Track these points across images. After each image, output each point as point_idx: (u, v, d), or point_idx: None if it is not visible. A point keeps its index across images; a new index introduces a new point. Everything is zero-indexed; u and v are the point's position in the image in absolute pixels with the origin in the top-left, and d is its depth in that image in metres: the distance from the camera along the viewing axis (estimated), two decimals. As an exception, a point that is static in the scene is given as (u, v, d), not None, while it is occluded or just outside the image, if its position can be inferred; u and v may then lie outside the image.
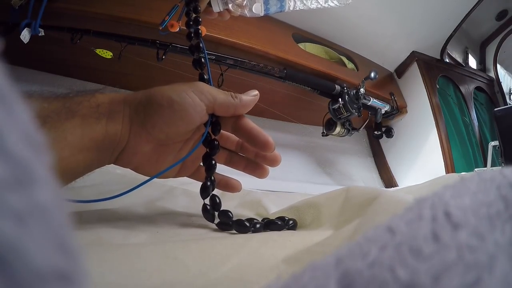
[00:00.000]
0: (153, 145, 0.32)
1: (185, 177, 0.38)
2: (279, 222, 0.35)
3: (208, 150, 0.36)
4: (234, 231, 0.34)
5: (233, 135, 0.37)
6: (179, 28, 0.51)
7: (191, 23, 0.42)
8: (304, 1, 0.47)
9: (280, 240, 0.30)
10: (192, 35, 0.42)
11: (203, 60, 0.40)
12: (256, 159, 0.38)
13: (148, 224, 0.33)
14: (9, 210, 0.06)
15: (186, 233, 0.32)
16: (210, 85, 0.37)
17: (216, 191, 0.37)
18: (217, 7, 0.44)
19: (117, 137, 0.30)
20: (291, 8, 0.47)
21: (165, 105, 0.30)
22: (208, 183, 0.35)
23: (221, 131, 0.36)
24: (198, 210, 0.36)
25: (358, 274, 0.09)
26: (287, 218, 0.36)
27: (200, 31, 0.42)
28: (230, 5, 0.44)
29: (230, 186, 0.39)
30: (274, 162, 0.37)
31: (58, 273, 0.06)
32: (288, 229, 0.36)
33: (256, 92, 0.36)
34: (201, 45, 0.41)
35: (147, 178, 0.33)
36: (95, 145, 0.28)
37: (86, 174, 0.30)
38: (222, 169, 0.38)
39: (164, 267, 0.21)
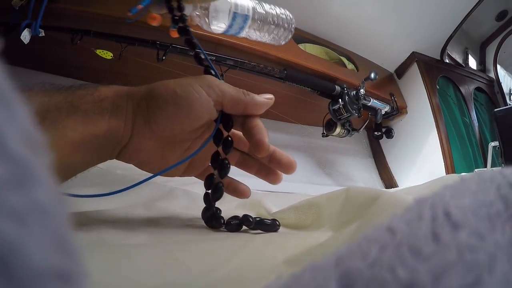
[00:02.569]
0: (157, 142, 0.30)
1: (185, 178, 0.38)
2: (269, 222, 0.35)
3: (220, 148, 0.33)
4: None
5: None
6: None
7: (176, 18, 0.39)
8: (253, 35, 0.53)
9: (281, 241, 0.30)
10: (183, 30, 0.39)
11: (202, 56, 0.37)
12: (270, 164, 0.35)
13: (149, 224, 0.33)
14: (9, 210, 0.06)
15: (186, 233, 0.32)
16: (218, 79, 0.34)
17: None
18: (157, 10, 0.42)
19: (119, 133, 0.28)
20: (242, 36, 0.53)
21: (169, 101, 0.28)
22: (220, 184, 0.33)
23: (233, 131, 0.34)
24: (199, 211, 0.36)
25: (358, 274, 0.09)
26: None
27: (188, 28, 0.38)
28: (195, 12, 0.44)
29: (239, 191, 0.36)
30: (289, 169, 0.34)
31: (58, 273, 0.06)
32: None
33: (271, 96, 0.33)
34: (194, 41, 0.38)
35: (150, 175, 0.31)
36: (97, 142, 0.27)
37: (86, 170, 0.29)
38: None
39: (165, 268, 0.21)
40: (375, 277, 0.09)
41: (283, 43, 0.58)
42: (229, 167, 0.33)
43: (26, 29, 0.60)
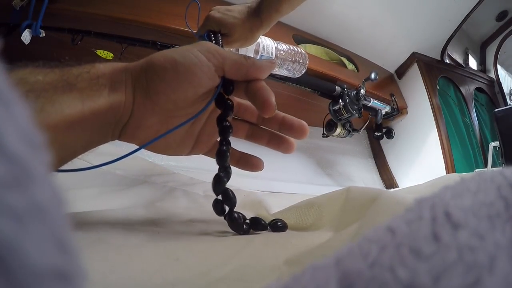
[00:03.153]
0: (160, 117, 0.29)
1: (185, 177, 0.38)
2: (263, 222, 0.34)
3: (221, 111, 0.32)
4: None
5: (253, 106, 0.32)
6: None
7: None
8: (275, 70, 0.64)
9: (282, 241, 0.30)
10: None
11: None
12: (281, 131, 0.34)
13: (149, 224, 0.33)
14: (8, 209, 0.06)
15: (187, 233, 0.32)
16: None
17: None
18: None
19: (120, 109, 0.27)
20: None
21: (169, 68, 0.28)
22: (224, 148, 0.31)
23: (240, 101, 0.34)
24: (199, 211, 0.36)
25: (359, 274, 0.09)
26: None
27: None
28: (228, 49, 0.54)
29: (250, 163, 0.35)
30: (301, 132, 0.33)
31: (56, 272, 0.06)
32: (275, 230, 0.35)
33: (274, 59, 0.33)
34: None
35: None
36: (97, 119, 0.26)
37: (87, 152, 0.28)
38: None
39: (165, 268, 0.21)
40: (375, 277, 0.09)
41: (298, 75, 0.72)
42: (231, 130, 0.32)
43: (27, 29, 0.60)
